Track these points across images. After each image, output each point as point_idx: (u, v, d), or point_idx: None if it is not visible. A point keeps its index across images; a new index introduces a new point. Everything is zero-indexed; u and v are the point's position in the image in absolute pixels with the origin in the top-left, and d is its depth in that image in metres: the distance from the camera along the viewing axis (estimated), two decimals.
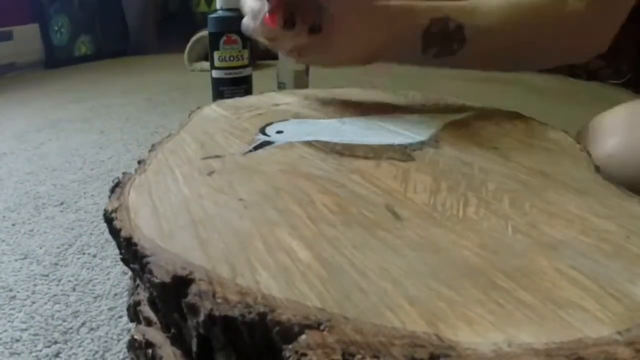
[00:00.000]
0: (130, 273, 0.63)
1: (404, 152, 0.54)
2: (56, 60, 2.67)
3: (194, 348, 0.33)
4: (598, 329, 0.27)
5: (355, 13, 0.65)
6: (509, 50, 0.71)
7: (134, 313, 0.48)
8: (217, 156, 0.54)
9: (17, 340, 0.60)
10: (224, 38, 1.25)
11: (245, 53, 1.28)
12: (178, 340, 0.37)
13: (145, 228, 0.39)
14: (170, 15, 3.33)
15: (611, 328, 0.27)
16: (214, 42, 1.26)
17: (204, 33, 2.21)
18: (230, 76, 1.28)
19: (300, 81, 1.31)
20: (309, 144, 0.57)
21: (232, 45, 1.26)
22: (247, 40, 1.28)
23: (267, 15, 0.67)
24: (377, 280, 0.32)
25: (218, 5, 1.26)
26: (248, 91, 1.30)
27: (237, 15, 1.27)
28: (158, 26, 3.30)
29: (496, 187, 0.45)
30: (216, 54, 1.26)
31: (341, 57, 0.70)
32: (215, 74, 1.29)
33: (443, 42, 0.67)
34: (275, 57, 1.40)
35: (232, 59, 1.27)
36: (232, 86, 1.29)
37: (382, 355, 0.25)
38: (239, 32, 1.26)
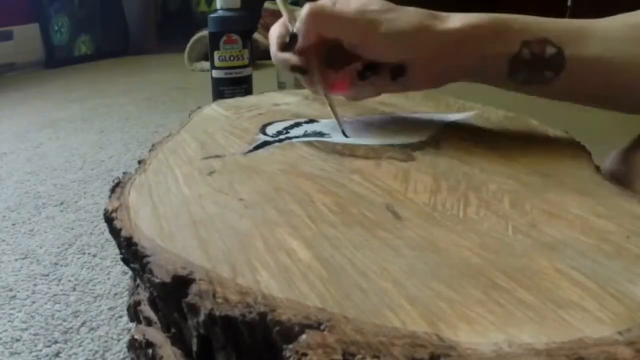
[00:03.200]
0: (130, 273, 0.63)
1: (404, 152, 0.54)
2: (56, 60, 2.67)
3: (194, 348, 0.33)
4: (598, 329, 0.27)
5: (407, 51, 0.58)
6: (618, 88, 0.57)
7: (134, 313, 0.48)
8: (217, 156, 0.54)
9: (17, 340, 0.59)
10: (224, 38, 1.25)
11: (246, 53, 1.28)
12: (178, 340, 0.37)
13: (145, 228, 0.39)
14: (171, 15, 3.33)
15: (612, 328, 0.27)
16: (214, 41, 1.26)
17: (204, 33, 2.21)
18: (231, 76, 1.29)
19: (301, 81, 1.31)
20: (309, 143, 0.57)
21: (232, 45, 1.26)
22: (247, 40, 1.28)
23: (333, 83, 0.64)
24: (377, 280, 0.32)
25: (218, 5, 1.26)
26: (248, 91, 1.31)
27: (237, 15, 1.28)
28: (158, 26, 3.30)
29: (496, 187, 0.45)
30: (216, 54, 1.27)
31: (422, 87, 0.63)
32: (215, 73, 1.29)
33: (535, 68, 0.56)
34: None
35: (232, 58, 1.27)
36: (232, 86, 1.29)
37: (383, 355, 0.25)
38: (239, 31, 1.27)
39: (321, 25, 0.58)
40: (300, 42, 0.60)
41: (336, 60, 0.63)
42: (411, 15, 0.57)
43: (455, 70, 0.60)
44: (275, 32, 0.65)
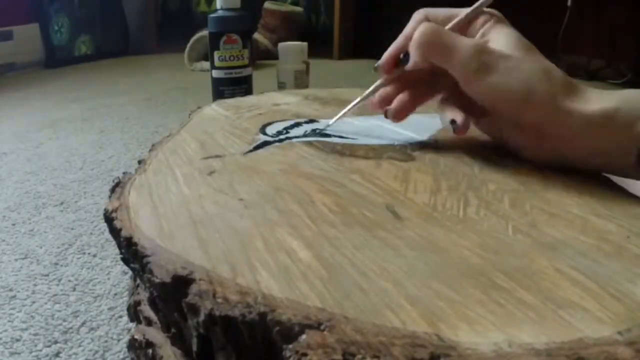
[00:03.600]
0: (130, 273, 0.63)
1: (404, 152, 0.54)
2: (56, 59, 2.67)
3: (194, 348, 0.33)
4: (598, 329, 0.27)
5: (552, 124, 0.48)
6: None
7: (134, 313, 0.48)
8: (217, 156, 0.54)
9: (17, 340, 0.60)
10: (224, 38, 1.25)
11: (246, 53, 1.28)
12: (178, 340, 0.37)
13: (145, 228, 0.39)
14: (170, 15, 3.34)
15: (612, 328, 0.27)
16: (214, 41, 1.26)
17: (204, 33, 2.21)
18: (231, 76, 1.29)
19: (301, 81, 1.31)
20: (309, 143, 0.57)
21: (232, 45, 1.26)
22: (247, 40, 1.28)
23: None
24: (377, 280, 0.32)
25: (218, 5, 1.26)
26: (248, 91, 1.31)
27: (237, 15, 1.28)
28: (158, 26, 3.30)
29: (496, 187, 0.45)
30: (216, 54, 1.27)
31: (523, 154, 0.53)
32: (215, 73, 1.29)
33: None
34: (275, 57, 1.40)
35: (232, 58, 1.27)
36: (232, 86, 1.29)
37: (383, 355, 0.25)
38: (239, 31, 1.27)
39: (432, 55, 0.53)
40: (409, 65, 0.55)
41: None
42: (531, 72, 0.49)
43: (561, 156, 0.50)
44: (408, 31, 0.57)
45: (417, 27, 0.53)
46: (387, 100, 0.58)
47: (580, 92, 0.48)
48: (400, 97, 0.58)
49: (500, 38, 0.52)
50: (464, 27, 0.55)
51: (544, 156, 0.51)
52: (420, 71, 0.56)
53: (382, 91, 0.59)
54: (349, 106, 0.62)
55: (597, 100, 0.47)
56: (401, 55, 0.57)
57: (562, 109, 0.47)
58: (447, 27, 0.54)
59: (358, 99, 0.61)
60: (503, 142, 0.55)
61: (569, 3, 2.28)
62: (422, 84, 0.58)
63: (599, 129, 0.46)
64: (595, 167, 0.49)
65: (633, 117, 0.45)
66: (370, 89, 0.60)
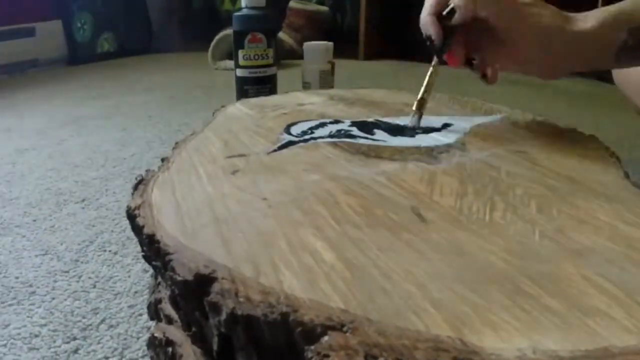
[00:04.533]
0: (151, 271, 0.63)
1: (430, 155, 0.54)
2: (79, 57, 2.68)
3: (215, 347, 0.33)
4: (625, 337, 0.27)
5: (542, 48, 0.65)
6: None
7: (154, 311, 0.48)
8: (241, 155, 0.54)
9: (36, 336, 0.60)
10: (249, 36, 1.25)
11: (270, 52, 1.28)
12: (199, 338, 0.37)
13: (168, 226, 0.39)
14: (194, 13, 3.34)
15: (638, 337, 0.27)
16: (238, 40, 1.26)
17: (228, 31, 2.21)
18: (255, 75, 1.28)
19: (326, 81, 1.30)
20: (334, 144, 0.57)
21: (257, 44, 1.26)
22: (271, 39, 1.28)
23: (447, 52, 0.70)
24: (401, 282, 0.31)
25: (243, 4, 1.26)
26: (272, 90, 1.30)
27: (262, 13, 1.27)
28: (182, 24, 3.31)
29: (523, 191, 0.45)
30: (241, 53, 1.26)
31: (543, 77, 0.70)
32: (239, 72, 1.29)
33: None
34: (300, 57, 1.39)
35: (257, 57, 1.27)
36: (257, 85, 1.28)
37: (405, 359, 0.25)
38: (264, 30, 1.27)
39: (480, 5, 0.64)
40: (457, 18, 0.65)
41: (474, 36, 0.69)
42: (551, 14, 0.64)
43: (557, 70, 0.68)
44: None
45: None
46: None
47: (573, 18, 0.65)
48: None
49: None
50: None
51: (551, 69, 0.68)
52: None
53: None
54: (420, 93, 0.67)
55: (586, 20, 0.64)
56: (444, 12, 0.67)
57: (566, 30, 0.64)
58: None
59: (424, 85, 0.68)
60: (523, 70, 0.69)
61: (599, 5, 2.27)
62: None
63: (589, 38, 0.63)
64: (579, 70, 0.70)
65: (607, 26, 0.63)
66: (429, 72, 0.68)
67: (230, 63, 2.06)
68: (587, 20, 0.64)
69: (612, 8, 0.64)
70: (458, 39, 0.68)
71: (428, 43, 0.69)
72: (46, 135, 1.40)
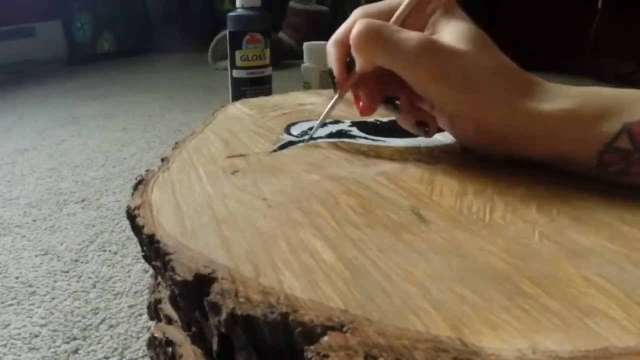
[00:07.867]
0: (151, 271, 0.63)
1: (430, 155, 0.54)
2: (78, 57, 2.69)
3: (215, 347, 0.33)
4: (624, 338, 0.27)
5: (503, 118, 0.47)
6: None
7: (154, 311, 0.48)
8: (241, 155, 0.54)
9: (36, 336, 0.60)
10: (247, 37, 1.24)
11: (267, 52, 1.28)
12: (198, 339, 0.37)
13: (168, 226, 0.39)
14: (194, 13, 3.34)
15: (638, 337, 0.27)
16: (234, 41, 1.26)
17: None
18: (253, 76, 1.28)
19: (326, 81, 1.30)
20: (334, 144, 0.57)
21: (255, 45, 1.26)
22: (268, 40, 1.27)
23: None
24: (401, 283, 0.31)
25: (238, 4, 1.24)
26: (269, 91, 1.30)
27: (259, 14, 1.27)
28: (181, 24, 3.31)
29: (523, 192, 0.45)
30: (238, 53, 1.26)
31: (473, 146, 0.53)
32: (236, 73, 1.28)
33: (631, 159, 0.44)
34: (299, 57, 1.39)
35: (254, 58, 1.27)
36: (255, 86, 1.28)
37: (405, 359, 0.25)
38: (261, 31, 1.27)
39: (375, 56, 0.48)
40: (357, 70, 0.51)
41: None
42: (486, 70, 0.46)
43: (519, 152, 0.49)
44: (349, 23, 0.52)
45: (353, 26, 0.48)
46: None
47: (539, 90, 0.46)
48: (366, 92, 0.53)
49: (451, 30, 0.48)
50: (415, 18, 0.50)
51: (502, 154, 0.50)
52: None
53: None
54: (316, 125, 0.59)
55: (557, 98, 0.45)
56: (347, 59, 0.53)
57: (519, 110, 0.45)
58: (391, 21, 0.49)
59: (322, 116, 0.58)
60: (458, 139, 0.54)
61: (599, 5, 2.26)
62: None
63: (558, 129, 0.45)
64: (556, 165, 0.48)
65: (593, 117, 0.44)
66: (330, 104, 0.57)
67: None
68: (564, 97, 0.45)
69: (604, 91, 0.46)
70: (370, 85, 0.53)
71: (330, 79, 0.57)
72: (46, 135, 1.40)
